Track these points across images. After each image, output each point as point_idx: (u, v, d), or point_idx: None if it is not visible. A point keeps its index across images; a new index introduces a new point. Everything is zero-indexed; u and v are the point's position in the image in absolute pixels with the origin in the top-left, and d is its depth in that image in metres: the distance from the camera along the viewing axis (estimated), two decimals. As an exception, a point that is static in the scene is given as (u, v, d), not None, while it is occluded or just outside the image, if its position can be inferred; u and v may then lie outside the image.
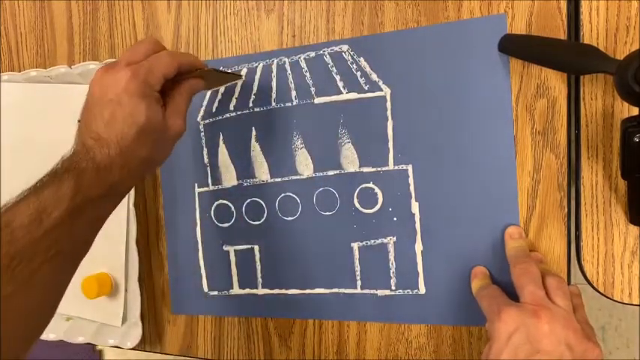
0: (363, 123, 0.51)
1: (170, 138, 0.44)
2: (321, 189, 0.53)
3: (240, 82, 0.56)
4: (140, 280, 0.60)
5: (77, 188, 0.38)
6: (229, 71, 0.55)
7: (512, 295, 0.42)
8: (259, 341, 0.58)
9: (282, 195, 0.55)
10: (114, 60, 0.43)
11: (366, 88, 0.51)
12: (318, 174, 0.53)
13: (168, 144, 0.45)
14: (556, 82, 0.45)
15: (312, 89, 0.53)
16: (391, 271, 0.51)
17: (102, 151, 0.40)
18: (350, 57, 0.51)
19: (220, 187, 0.58)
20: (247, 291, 0.58)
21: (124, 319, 0.61)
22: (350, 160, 0.52)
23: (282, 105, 0.54)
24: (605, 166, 0.44)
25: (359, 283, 0.53)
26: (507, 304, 0.39)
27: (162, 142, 0.44)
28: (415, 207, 0.50)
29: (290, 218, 0.55)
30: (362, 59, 0.51)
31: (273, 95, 0.54)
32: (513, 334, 0.37)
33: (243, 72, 0.55)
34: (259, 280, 0.57)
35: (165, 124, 0.43)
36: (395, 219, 0.51)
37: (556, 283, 0.40)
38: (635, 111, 0.37)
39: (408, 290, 0.51)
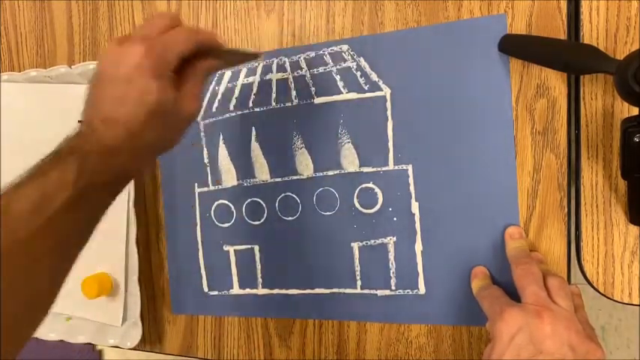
0: (363, 123, 0.51)
1: (182, 121, 0.41)
2: (321, 189, 0.53)
3: (258, 62, 0.53)
4: (140, 280, 0.60)
5: (81, 173, 0.35)
6: (247, 50, 0.51)
7: (512, 295, 0.42)
8: (259, 341, 0.58)
9: (282, 195, 0.55)
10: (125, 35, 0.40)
11: (366, 88, 0.51)
12: (318, 174, 0.53)
13: (181, 128, 0.41)
14: (556, 82, 0.45)
15: (312, 89, 0.53)
16: (391, 271, 0.51)
17: (109, 134, 0.37)
18: (350, 57, 0.51)
19: (220, 187, 0.58)
20: (247, 291, 0.58)
21: (124, 319, 0.61)
22: (350, 160, 0.52)
23: (282, 105, 0.54)
24: (605, 166, 0.44)
25: (359, 283, 0.53)
26: (509, 305, 0.39)
27: (173, 126, 0.40)
28: (415, 207, 0.50)
29: (290, 218, 0.55)
30: (362, 59, 0.51)
31: (273, 95, 0.54)
32: (516, 335, 0.37)
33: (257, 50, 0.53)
34: (259, 280, 0.57)
35: (179, 106, 0.39)
36: (395, 219, 0.51)
37: (558, 283, 0.40)
38: (635, 111, 0.37)
39: (408, 290, 0.51)
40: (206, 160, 0.58)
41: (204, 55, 0.41)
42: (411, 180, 0.50)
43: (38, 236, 0.34)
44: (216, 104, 0.57)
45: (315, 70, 0.53)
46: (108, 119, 0.37)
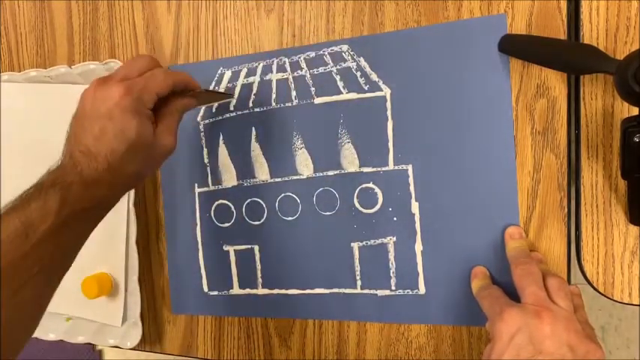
0: (363, 123, 0.51)
1: (159, 155, 0.44)
2: (321, 189, 0.53)
3: (232, 100, 0.56)
4: (140, 280, 0.60)
5: (63, 203, 0.38)
6: (221, 91, 0.56)
7: (512, 295, 0.42)
8: (259, 341, 0.58)
9: (282, 195, 0.55)
10: (108, 74, 0.43)
11: (366, 88, 0.51)
12: (318, 174, 0.53)
13: (157, 161, 0.45)
14: (556, 82, 0.45)
15: (312, 89, 0.53)
16: (391, 271, 0.51)
17: (90, 166, 0.39)
18: (350, 57, 0.51)
19: (220, 187, 0.58)
20: (247, 291, 0.58)
21: (124, 319, 0.61)
22: (350, 160, 0.52)
23: (282, 105, 0.54)
24: (605, 166, 0.44)
25: (359, 283, 0.53)
26: (509, 305, 0.39)
27: (150, 159, 0.44)
28: (415, 207, 0.50)
29: (290, 218, 0.55)
30: (362, 59, 0.51)
31: (273, 95, 0.54)
32: (515, 335, 0.37)
33: (237, 90, 0.56)
34: (259, 280, 0.57)
35: (156, 141, 0.43)
36: (395, 219, 0.51)
37: (557, 283, 0.40)
38: (635, 111, 0.37)
39: (408, 290, 0.51)
40: (206, 160, 0.58)
41: (180, 94, 0.45)
42: (411, 180, 0.50)
43: (23, 262, 0.36)
44: (216, 104, 0.57)
45: (315, 70, 0.53)
46: (89, 152, 0.40)
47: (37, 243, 0.36)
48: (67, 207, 0.38)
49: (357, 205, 0.52)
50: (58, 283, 0.41)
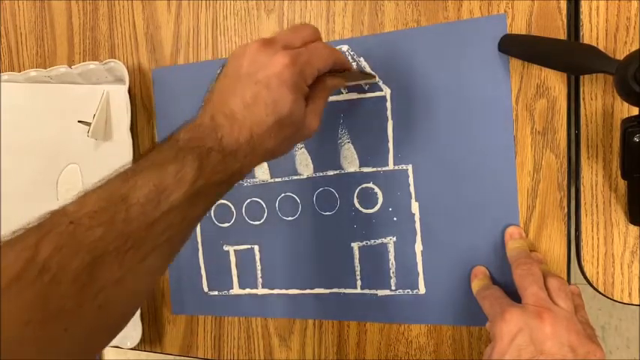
0: (363, 123, 0.51)
1: (300, 136, 0.40)
2: (321, 189, 0.53)
3: (374, 82, 0.52)
4: (140, 280, 0.60)
5: (200, 171, 0.34)
6: (366, 71, 0.52)
7: (512, 295, 0.42)
8: (259, 341, 0.58)
9: (282, 195, 0.55)
10: (269, 37, 0.39)
11: (366, 88, 0.51)
12: (318, 174, 0.53)
13: (295, 142, 0.41)
14: (556, 82, 0.45)
15: (312, 89, 0.53)
16: (391, 271, 0.51)
17: (231, 134, 0.36)
18: (350, 57, 0.51)
19: (220, 187, 0.58)
20: (247, 291, 0.58)
21: (124, 319, 0.61)
22: (350, 160, 0.52)
23: (282, 105, 0.54)
24: (605, 166, 0.44)
25: (359, 283, 0.53)
26: (510, 305, 0.39)
27: (290, 139, 0.39)
28: (415, 207, 0.50)
29: (290, 218, 0.55)
30: (362, 59, 0.51)
31: (273, 95, 0.54)
32: (517, 335, 0.37)
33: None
34: (259, 280, 0.57)
35: (303, 121, 0.39)
36: (395, 219, 0.51)
37: (558, 284, 0.40)
38: (635, 111, 0.37)
39: (408, 290, 0.51)
40: (206, 160, 0.58)
41: (330, 73, 0.41)
42: (411, 180, 0.50)
43: (151, 230, 0.33)
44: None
45: (315, 70, 0.53)
46: (234, 118, 0.36)
47: (168, 211, 0.33)
48: (202, 177, 0.34)
49: (357, 205, 0.52)
50: (174, 257, 0.37)
